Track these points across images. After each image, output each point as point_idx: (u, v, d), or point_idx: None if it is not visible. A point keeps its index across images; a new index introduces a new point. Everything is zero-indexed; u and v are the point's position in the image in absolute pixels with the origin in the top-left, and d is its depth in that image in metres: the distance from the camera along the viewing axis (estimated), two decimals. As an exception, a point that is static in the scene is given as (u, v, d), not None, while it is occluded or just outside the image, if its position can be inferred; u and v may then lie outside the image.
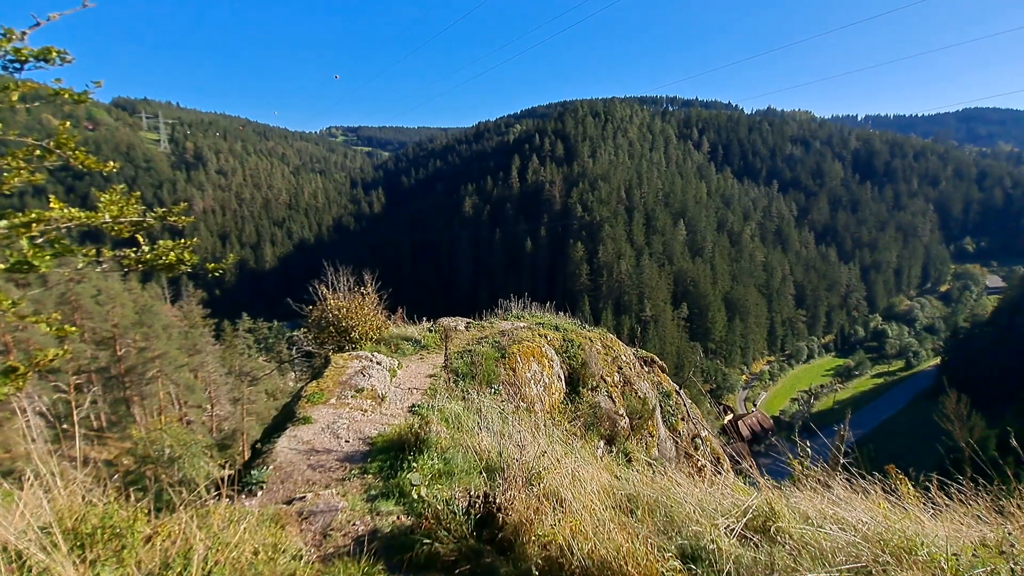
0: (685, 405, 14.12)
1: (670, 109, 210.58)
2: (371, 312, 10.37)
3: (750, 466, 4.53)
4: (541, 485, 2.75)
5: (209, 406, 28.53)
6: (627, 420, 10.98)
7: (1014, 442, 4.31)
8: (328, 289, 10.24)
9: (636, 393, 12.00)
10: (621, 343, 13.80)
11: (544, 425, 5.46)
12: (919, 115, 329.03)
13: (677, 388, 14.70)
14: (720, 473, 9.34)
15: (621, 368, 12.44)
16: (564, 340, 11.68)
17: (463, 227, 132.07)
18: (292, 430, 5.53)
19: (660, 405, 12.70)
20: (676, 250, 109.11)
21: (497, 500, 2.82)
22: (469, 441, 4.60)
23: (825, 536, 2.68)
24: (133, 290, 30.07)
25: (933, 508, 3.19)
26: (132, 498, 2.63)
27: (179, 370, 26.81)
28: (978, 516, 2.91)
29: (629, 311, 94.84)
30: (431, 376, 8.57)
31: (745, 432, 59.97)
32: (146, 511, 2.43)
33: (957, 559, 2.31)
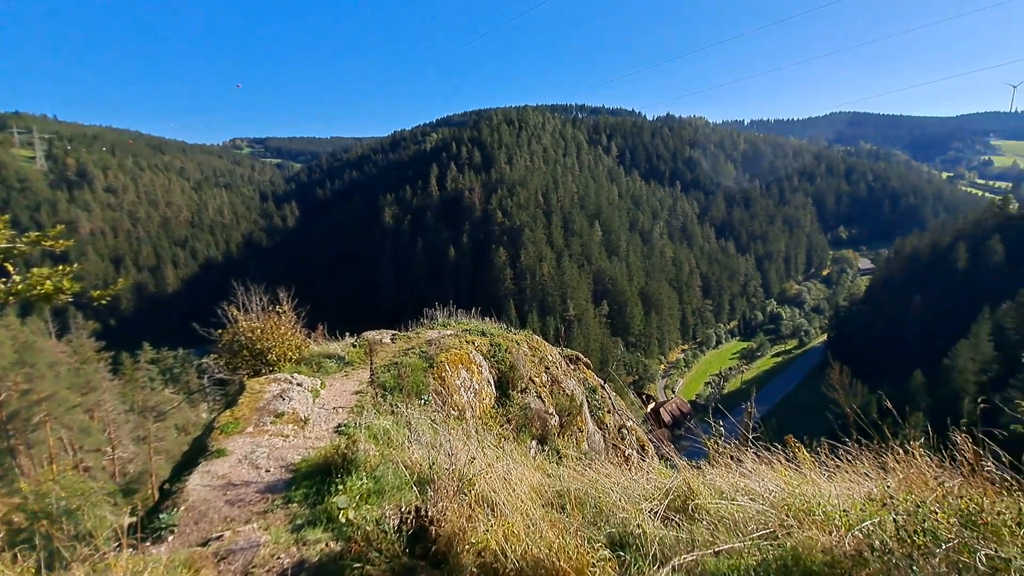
0: (610, 398, 14.72)
1: (580, 116, 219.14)
2: (288, 331, 9.80)
3: (670, 450, 4.79)
4: (473, 492, 2.76)
5: (110, 448, 25.52)
6: (557, 418, 11.26)
7: (889, 404, 4.93)
8: (239, 310, 9.55)
9: (564, 391, 12.34)
10: (547, 344, 14.12)
11: (476, 431, 5.47)
12: (795, 119, 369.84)
13: (602, 383, 15.29)
14: (645, 459, 9.86)
15: (548, 368, 12.73)
16: (491, 345, 11.75)
17: (384, 237, 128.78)
18: (205, 465, 5.11)
19: (587, 400, 13.14)
20: (594, 250, 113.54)
21: (429, 513, 2.79)
22: (399, 456, 4.50)
23: (738, 508, 2.91)
24: (11, 326, 26.19)
25: (828, 471, 3.57)
26: (21, 558, 2.33)
27: (71, 412, 23.78)
28: (866, 474, 3.26)
29: (553, 312, 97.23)
30: (357, 393, 8.27)
31: (666, 418, 63.42)
32: (33, 571, 2.16)
33: (847, 514, 2.59)
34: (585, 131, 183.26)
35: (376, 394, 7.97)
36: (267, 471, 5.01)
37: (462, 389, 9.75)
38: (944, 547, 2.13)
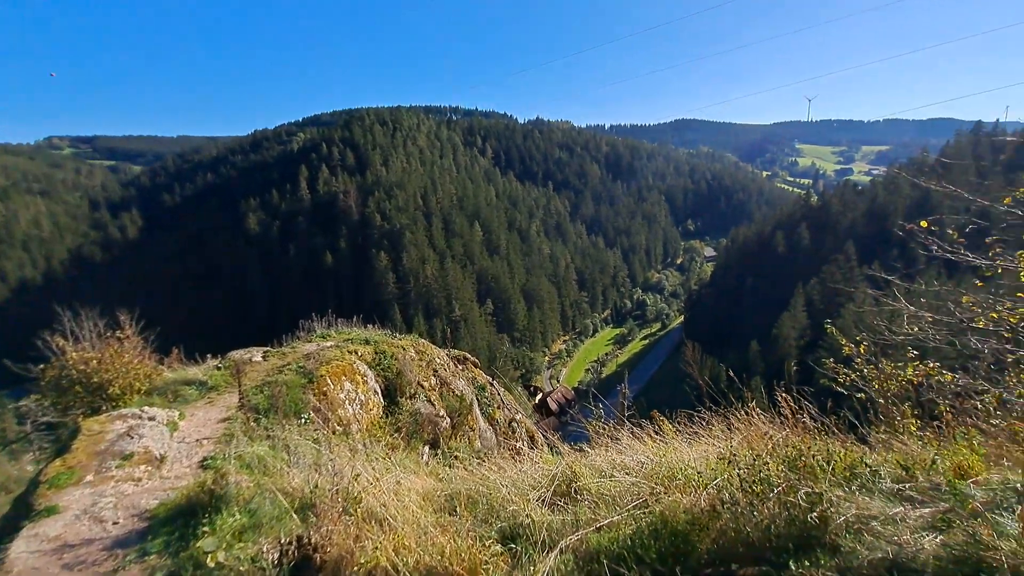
0: (499, 394, 15.07)
1: (454, 118, 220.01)
2: (134, 359, 8.47)
3: (556, 438, 5.05)
4: (359, 509, 2.65)
5: None
6: (448, 420, 11.24)
7: (731, 374, 5.67)
8: (68, 339, 8.02)
9: (453, 392, 12.35)
10: (433, 346, 14.00)
11: (363, 445, 5.25)
12: (647, 124, 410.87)
13: (490, 380, 15.57)
14: (534, 450, 10.27)
15: (436, 371, 12.64)
16: (376, 352, 11.35)
17: (250, 246, 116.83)
18: (31, 528, 4.26)
19: (477, 399, 13.30)
20: (475, 250, 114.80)
21: (312, 539, 2.60)
22: (277, 483, 4.16)
23: (615, 484, 3.17)
24: None
25: (689, 438, 4.03)
26: None
27: None
28: (719, 436, 3.77)
29: (440, 314, 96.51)
30: (225, 420, 7.46)
31: (553, 407, 66.08)
32: None
33: (701, 475, 2.97)
34: (460, 133, 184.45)
35: (248, 419, 7.26)
36: (115, 523, 4.32)
37: (346, 402, 9.29)
38: (775, 491, 2.54)
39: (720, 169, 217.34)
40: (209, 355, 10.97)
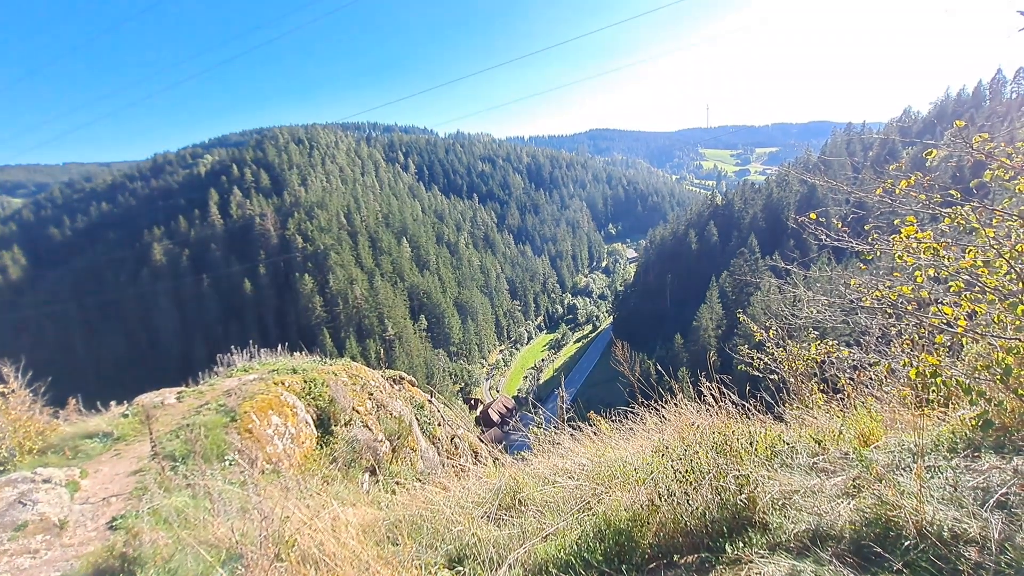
0: (439, 411, 14.77)
1: (373, 134, 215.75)
2: (22, 416, 7.47)
3: (499, 449, 5.01)
4: (293, 554, 2.46)
5: None
6: (387, 444, 10.86)
7: (659, 367, 5.90)
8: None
9: (391, 414, 11.96)
10: (367, 369, 13.49)
11: (296, 482, 4.93)
12: (564, 134, 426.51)
13: (429, 397, 15.23)
14: (479, 464, 10.15)
15: (372, 394, 12.18)
16: (305, 381, 10.75)
17: (156, 279, 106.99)
18: None
19: (416, 418, 12.96)
20: (404, 267, 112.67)
21: (243, 593, 2.39)
22: (200, 535, 3.81)
23: (559, 489, 3.19)
24: None
25: (627, 435, 4.13)
26: None
27: None
28: (652, 430, 3.90)
29: (372, 334, 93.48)
30: (136, 473, 6.73)
31: (495, 417, 66.17)
32: None
33: (638, 471, 3.05)
34: (381, 149, 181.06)
35: (162, 468, 6.60)
36: (6, 608, 3.76)
37: (275, 438, 8.72)
38: (707, 478, 2.67)
39: (634, 175, 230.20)
40: (114, 402, 9.91)
